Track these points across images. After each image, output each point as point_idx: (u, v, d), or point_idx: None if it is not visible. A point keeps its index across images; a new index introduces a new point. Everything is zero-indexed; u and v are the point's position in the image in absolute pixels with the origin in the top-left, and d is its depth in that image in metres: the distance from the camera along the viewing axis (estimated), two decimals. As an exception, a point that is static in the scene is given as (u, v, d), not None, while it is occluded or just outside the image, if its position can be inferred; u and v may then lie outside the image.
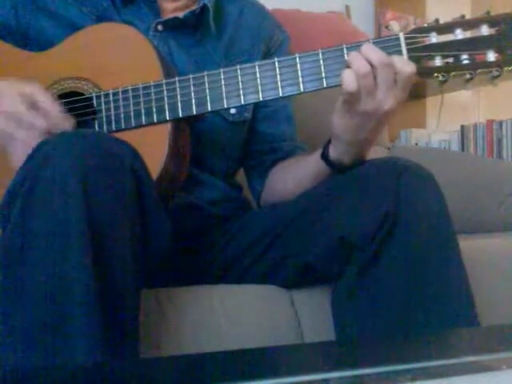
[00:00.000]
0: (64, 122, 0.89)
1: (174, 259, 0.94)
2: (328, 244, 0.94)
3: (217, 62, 1.10)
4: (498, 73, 0.89)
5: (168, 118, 0.95)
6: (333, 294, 0.97)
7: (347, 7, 2.49)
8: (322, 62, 0.91)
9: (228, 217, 1.13)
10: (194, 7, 1.12)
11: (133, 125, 0.96)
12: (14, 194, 0.76)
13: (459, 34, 0.89)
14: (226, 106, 0.95)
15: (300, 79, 0.92)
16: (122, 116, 0.97)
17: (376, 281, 0.90)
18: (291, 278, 1.04)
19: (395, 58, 0.87)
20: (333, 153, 0.97)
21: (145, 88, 0.96)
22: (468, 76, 0.90)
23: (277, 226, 1.03)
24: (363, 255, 0.90)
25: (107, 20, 1.08)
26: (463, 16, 0.90)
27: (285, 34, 1.23)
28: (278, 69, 0.93)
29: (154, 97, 0.96)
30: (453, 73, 0.90)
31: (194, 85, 0.95)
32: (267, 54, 1.16)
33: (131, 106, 0.96)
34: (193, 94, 0.95)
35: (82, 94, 0.99)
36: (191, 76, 0.95)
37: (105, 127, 0.97)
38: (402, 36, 0.90)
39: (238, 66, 0.94)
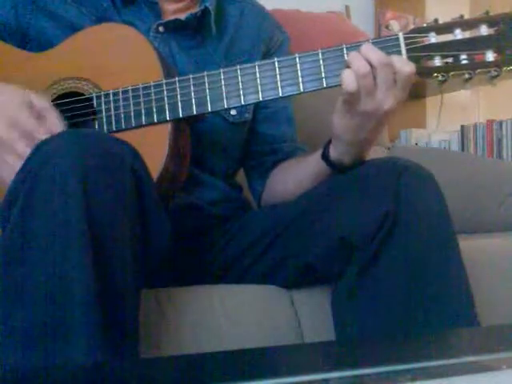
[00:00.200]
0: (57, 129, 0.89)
1: (174, 259, 0.94)
2: (328, 244, 0.94)
3: (217, 63, 1.10)
4: (496, 73, 0.89)
5: (168, 118, 0.95)
6: (333, 294, 0.97)
7: (347, 7, 2.49)
8: (321, 62, 0.91)
9: (228, 217, 1.13)
10: (195, 9, 1.12)
11: (133, 125, 0.96)
12: (14, 194, 0.76)
13: (458, 34, 0.89)
14: (226, 106, 0.95)
15: (300, 79, 0.92)
16: (122, 116, 0.97)
17: (376, 281, 0.90)
18: (291, 278, 1.04)
19: (394, 58, 0.87)
20: (333, 153, 0.97)
21: (145, 88, 0.96)
22: (467, 76, 0.90)
23: (277, 226, 1.03)
24: (363, 255, 0.90)
25: (107, 21, 1.08)
26: (462, 16, 0.90)
27: (285, 34, 1.23)
28: (277, 69, 0.93)
29: (154, 97, 0.96)
30: (452, 73, 0.90)
31: (194, 85, 0.95)
32: (267, 55, 1.16)
33: (131, 106, 0.96)
34: (193, 94, 0.95)
35: (82, 95, 0.99)
36: (191, 76, 0.96)
37: (105, 127, 0.97)
38: (401, 36, 0.90)
39: (238, 66, 0.94)
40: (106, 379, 0.57)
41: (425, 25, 0.90)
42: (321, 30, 1.90)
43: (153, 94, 0.96)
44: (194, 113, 0.95)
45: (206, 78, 0.95)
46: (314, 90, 0.93)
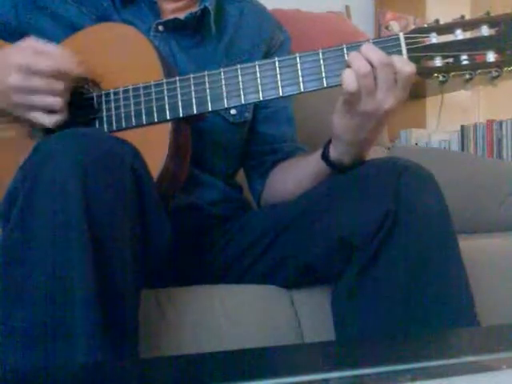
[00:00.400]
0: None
1: (174, 259, 0.94)
2: (328, 244, 0.94)
3: (217, 63, 1.10)
4: (497, 73, 0.89)
5: (168, 118, 0.95)
6: (333, 294, 0.97)
7: (347, 7, 2.49)
8: (322, 61, 0.91)
9: (228, 217, 1.13)
10: (194, 8, 1.11)
11: (133, 124, 0.96)
12: (14, 194, 0.76)
13: (459, 35, 0.89)
14: (226, 106, 0.95)
15: (300, 79, 0.92)
16: (123, 116, 0.97)
17: (376, 281, 0.90)
18: (291, 278, 1.04)
19: (395, 58, 0.87)
20: (333, 153, 0.97)
21: (145, 87, 0.96)
22: (468, 76, 0.90)
23: (277, 226, 1.03)
24: (363, 255, 0.90)
25: (107, 20, 1.08)
26: (463, 16, 0.90)
27: (286, 34, 1.22)
28: (278, 68, 0.93)
29: (154, 96, 0.96)
30: (452, 73, 0.90)
31: (195, 84, 0.95)
32: (268, 54, 1.16)
33: (132, 105, 0.96)
34: (193, 94, 0.95)
35: (83, 94, 0.99)
36: (192, 75, 0.95)
37: (105, 127, 0.97)
38: (401, 36, 0.90)
39: (239, 66, 0.94)
40: (106, 379, 0.58)
41: (426, 25, 0.90)
42: (321, 29, 1.90)
43: (153, 94, 0.96)
44: (195, 112, 0.95)
45: (206, 78, 0.95)
46: (315, 90, 0.93)
